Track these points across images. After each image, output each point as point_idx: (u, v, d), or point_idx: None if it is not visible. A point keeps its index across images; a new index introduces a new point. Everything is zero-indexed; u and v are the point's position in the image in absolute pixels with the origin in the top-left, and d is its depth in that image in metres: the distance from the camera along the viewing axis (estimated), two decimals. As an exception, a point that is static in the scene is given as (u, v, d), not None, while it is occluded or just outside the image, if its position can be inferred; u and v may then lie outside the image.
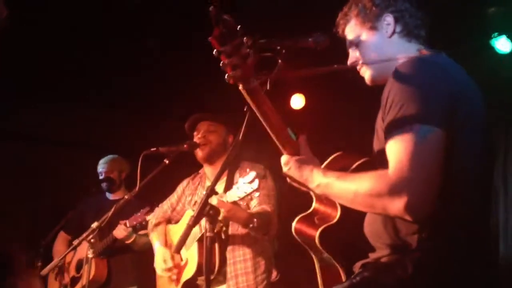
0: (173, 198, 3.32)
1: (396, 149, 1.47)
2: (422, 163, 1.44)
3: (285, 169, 1.74)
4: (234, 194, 2.52)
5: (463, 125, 1.53)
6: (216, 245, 2.83)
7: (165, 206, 3.34)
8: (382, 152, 1.60)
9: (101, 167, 4.22)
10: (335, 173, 1.65)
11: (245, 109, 1.77)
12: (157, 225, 3.31)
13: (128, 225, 3.59)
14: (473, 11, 4.03)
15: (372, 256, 1.66)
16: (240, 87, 1.50)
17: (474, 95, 1.63)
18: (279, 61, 1.62)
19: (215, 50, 1.40)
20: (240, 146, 2.97)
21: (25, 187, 4.94)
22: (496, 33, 4.20)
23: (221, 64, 1.42)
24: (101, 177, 4.20)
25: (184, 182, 3.32)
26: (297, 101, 5.34)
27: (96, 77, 4.84)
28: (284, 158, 1.75)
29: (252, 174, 2.44)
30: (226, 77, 1.44)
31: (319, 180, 1.65)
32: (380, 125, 1.64)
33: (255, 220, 2.71)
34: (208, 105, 4.71)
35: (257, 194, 2.55)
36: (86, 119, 5.32)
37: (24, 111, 4.99)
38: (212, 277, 2.79)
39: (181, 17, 4.12)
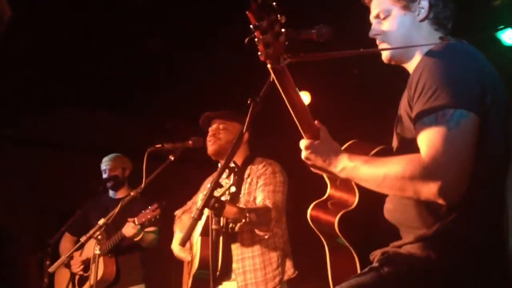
0: (198, 193, 3.33)
1: (430, 134, 1.48)
2: (456, 147, 1.46)
3: (306, 153, 1.70)
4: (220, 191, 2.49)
5: (489, 111, 1.54)
6: (220, 240, 2.80)
7: (189, 202, 3.36)
8: (408, 137, 1.61)
9: (104, 164, 4.20)
10: (361, 157, 1.65)
11: (248, 102, 1.76)
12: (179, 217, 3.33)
13: (137, 222, 3.56)
14: (479, 4, 4.00)
15: (394, 244, 1.65)
16: (269, 66, 1.48)
17: (497, 83, 1.65)
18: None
19: (251, 24, 1.38)
20: (245, 138, 2.98)
21: (30, 189, 4.97)
22: (502, 26, 4.17)
23: (256, 40, 1.41)
24: (104, 175, 4.18)
25: (210, 178, 3.31)
26: (303, 99, 5.33)
27: (97, 79, 4.84)
28: (304, 142, 1.71)
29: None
30: (259, 53, 1.42)
31: (345, 163, 1.64)
32: (405, 109, 1.64)
33: (247, 215, 2.69)
34: (212, 102, 4.71)
35: (233, 189, 2.52)
36: (87, 121, 5.34)
37: (26, 116, 5.02)
38: (217, 273, 2.77)
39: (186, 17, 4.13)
